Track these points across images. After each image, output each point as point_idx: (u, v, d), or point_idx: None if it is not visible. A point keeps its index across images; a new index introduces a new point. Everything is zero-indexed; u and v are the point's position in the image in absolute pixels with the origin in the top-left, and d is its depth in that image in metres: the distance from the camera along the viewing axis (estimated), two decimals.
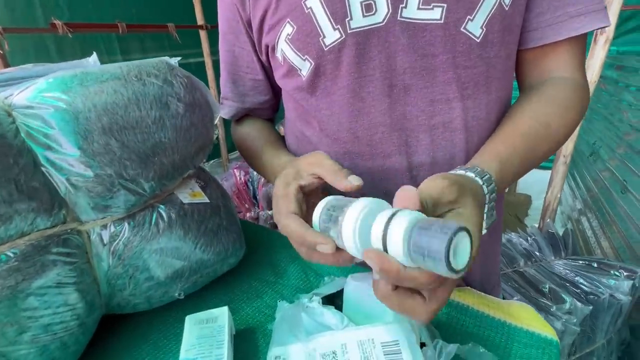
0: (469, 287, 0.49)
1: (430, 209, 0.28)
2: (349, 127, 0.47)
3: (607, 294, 1.15)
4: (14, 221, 0.33)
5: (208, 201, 0.49)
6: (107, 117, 0.37)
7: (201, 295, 0.50)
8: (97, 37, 2.45)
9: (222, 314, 0.41)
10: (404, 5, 0.40)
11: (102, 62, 0.49)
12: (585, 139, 2.08)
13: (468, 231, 0.24)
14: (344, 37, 0.42)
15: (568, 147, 1.53)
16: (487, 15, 0.41)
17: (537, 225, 1.70)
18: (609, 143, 1.74)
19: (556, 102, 0.44)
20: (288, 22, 0.43)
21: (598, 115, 1.99)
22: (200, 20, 2.53)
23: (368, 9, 0.40)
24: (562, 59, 0.46)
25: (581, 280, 1.24)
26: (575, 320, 1.11)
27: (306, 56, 0.44)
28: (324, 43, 0.42)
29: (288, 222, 0.34)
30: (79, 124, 0.35)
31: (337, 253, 0.31)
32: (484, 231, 0.32)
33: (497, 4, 0.40)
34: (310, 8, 0.41)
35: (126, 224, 0.41)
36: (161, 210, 0.43)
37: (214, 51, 2.61)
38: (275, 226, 0.41)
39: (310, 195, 0.39)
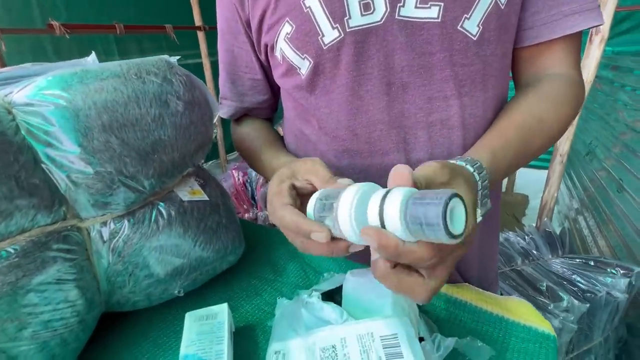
0: (466, 284, 0.49)
1: (423, 189, 0.29)
2: (348, 125, 0.47)
3: (604, 292, 1.15)
4: (15, 217, 0.34)
5: (207, 199, 0.49)
6: (107, 115, 0.37)
7: (201, 293, 0.50)
8: (94, 38, 2.44)
9: (221, 310, 0.42)
10: (401, 4, 0.40)
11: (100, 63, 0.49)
12: (581, 139, 2.09)
13: (462, 198, 0.24)
14: (342, 35, 0.42)
15: (564, 147, 1.54)
16: (484, 14, 0.41)
17: (534, 225, 1.71)
18: (605, 142, 1.75)
19: (550, 97, 0.44)
20: (287, 21, 0.44)
21: (594, 115, 2.00)
22: (198, 21, 2.54)
23: (366, 7, 0.41)
24: (558, 57, 0.47)
25: (578, 279, 1.25)
26: (572, 318, 1.12)
27: (305, 55, 0.44)
28: (323, 42, 0.43)
29: (284, 214, 0.34)
30: (79, 121, 0.35)
31: (332, 243, 0.31)
32: (479, 218, 0.32)
33: (493, 3, 0.41)
34: (309, 7, 0.42)
35: (126, 221, 0.41)
36: (161, 208, 0.44)
37: (212, 52, 2.59)
38: (273, 226, 0.41)
39: (303, 197, 0.39)
